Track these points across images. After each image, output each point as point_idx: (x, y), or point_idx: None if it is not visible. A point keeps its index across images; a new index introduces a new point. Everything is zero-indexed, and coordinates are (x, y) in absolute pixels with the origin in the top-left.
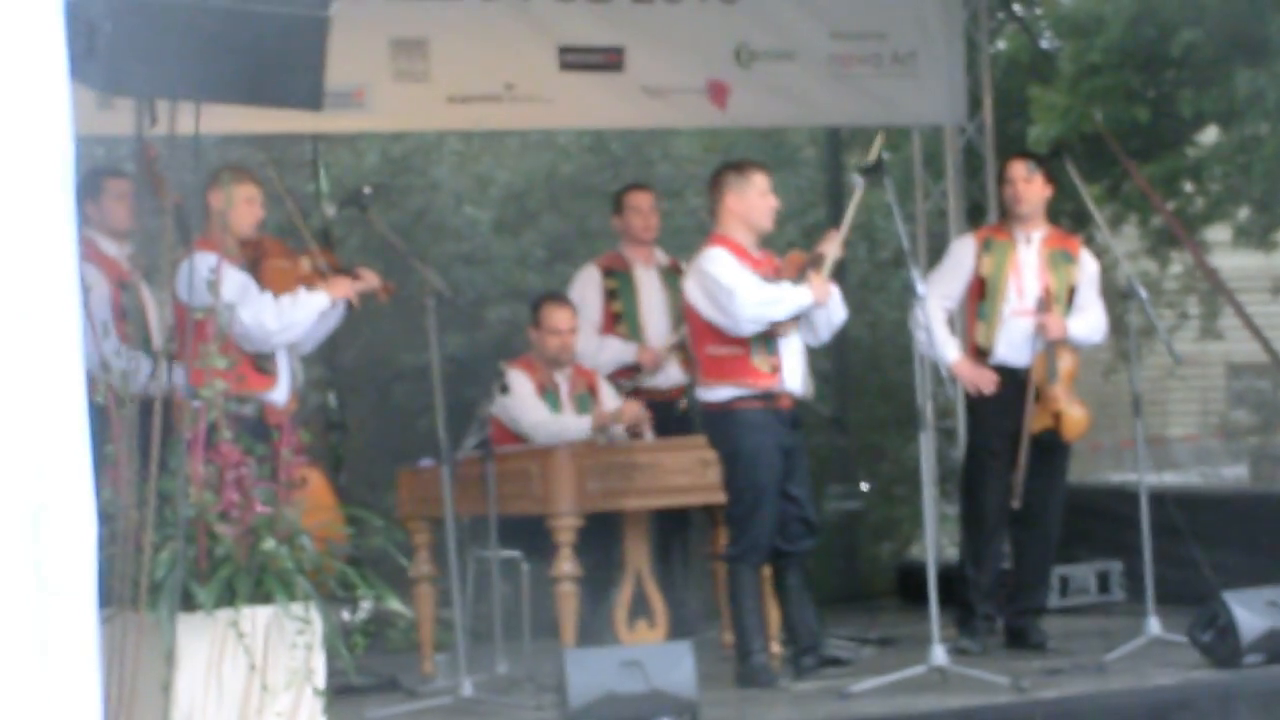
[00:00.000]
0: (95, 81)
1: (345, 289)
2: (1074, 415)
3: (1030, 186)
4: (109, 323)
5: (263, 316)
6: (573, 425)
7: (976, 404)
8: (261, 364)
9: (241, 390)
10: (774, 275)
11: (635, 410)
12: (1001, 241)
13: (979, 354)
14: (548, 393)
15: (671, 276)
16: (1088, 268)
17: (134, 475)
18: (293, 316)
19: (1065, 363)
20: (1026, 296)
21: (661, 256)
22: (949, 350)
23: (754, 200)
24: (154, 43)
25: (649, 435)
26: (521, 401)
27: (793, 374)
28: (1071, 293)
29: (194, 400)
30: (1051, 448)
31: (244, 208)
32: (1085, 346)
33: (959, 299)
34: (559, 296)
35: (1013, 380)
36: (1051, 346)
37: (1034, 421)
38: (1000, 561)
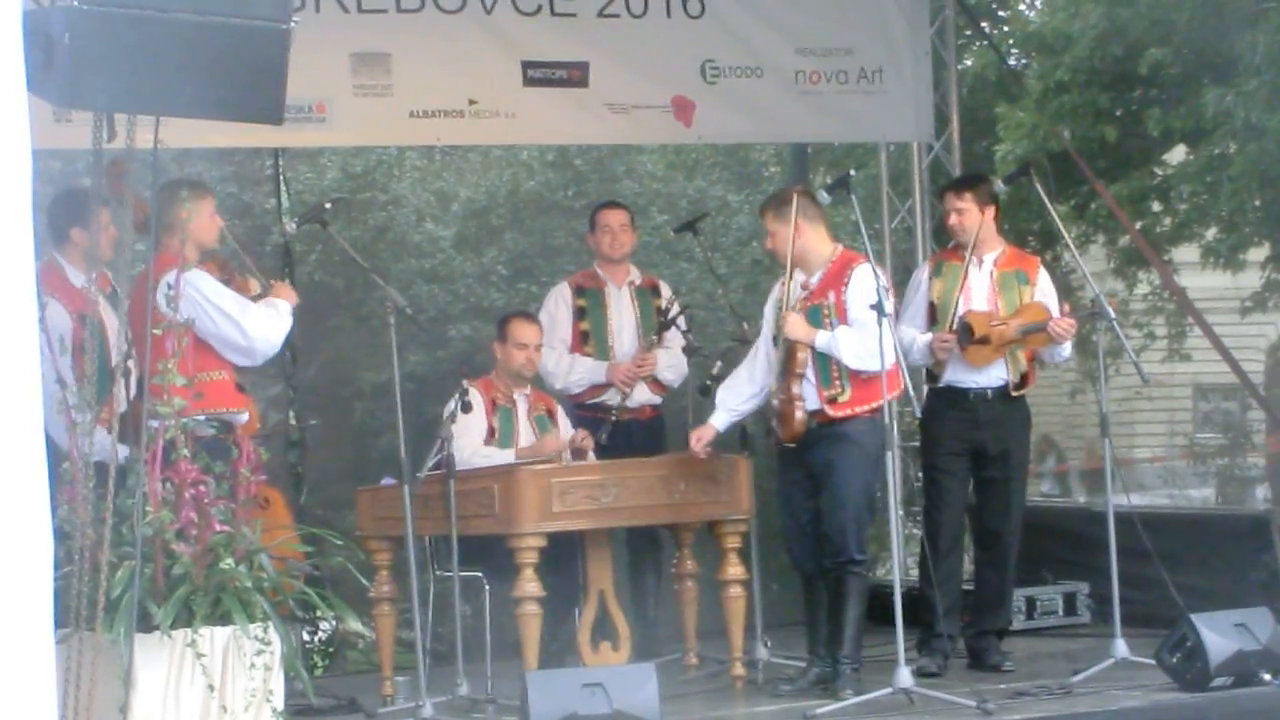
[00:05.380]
0: (53, 95)
1: (292, 295)
2: (990, 347)
3: (964, 217)
4: (67, 339)
5: (265, 329)
6: (494, 460)
7: (928, 424)
8: (241, 383)
9: (227, 408)
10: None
11: (554, 445)
12: (954, 265)
13: (930, 377)
14: (501, 410)
15: (644, 295)
16: (1045, 288)
17: (90, 493)
18: (282, 327)
19: (1036, 339)
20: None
21: (636, 274)
22: (920, 339)
23: None
24: (113, 56)
25: (591, 457)
26: (459, 426)
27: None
28: None
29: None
30: (1004, 467)
31: (208, 221)
32: (1052, 360)
33: (924, 325)
34: (526, 314)
35: (962, 402)
36: (1043, 323)
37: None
38: (958, 580)
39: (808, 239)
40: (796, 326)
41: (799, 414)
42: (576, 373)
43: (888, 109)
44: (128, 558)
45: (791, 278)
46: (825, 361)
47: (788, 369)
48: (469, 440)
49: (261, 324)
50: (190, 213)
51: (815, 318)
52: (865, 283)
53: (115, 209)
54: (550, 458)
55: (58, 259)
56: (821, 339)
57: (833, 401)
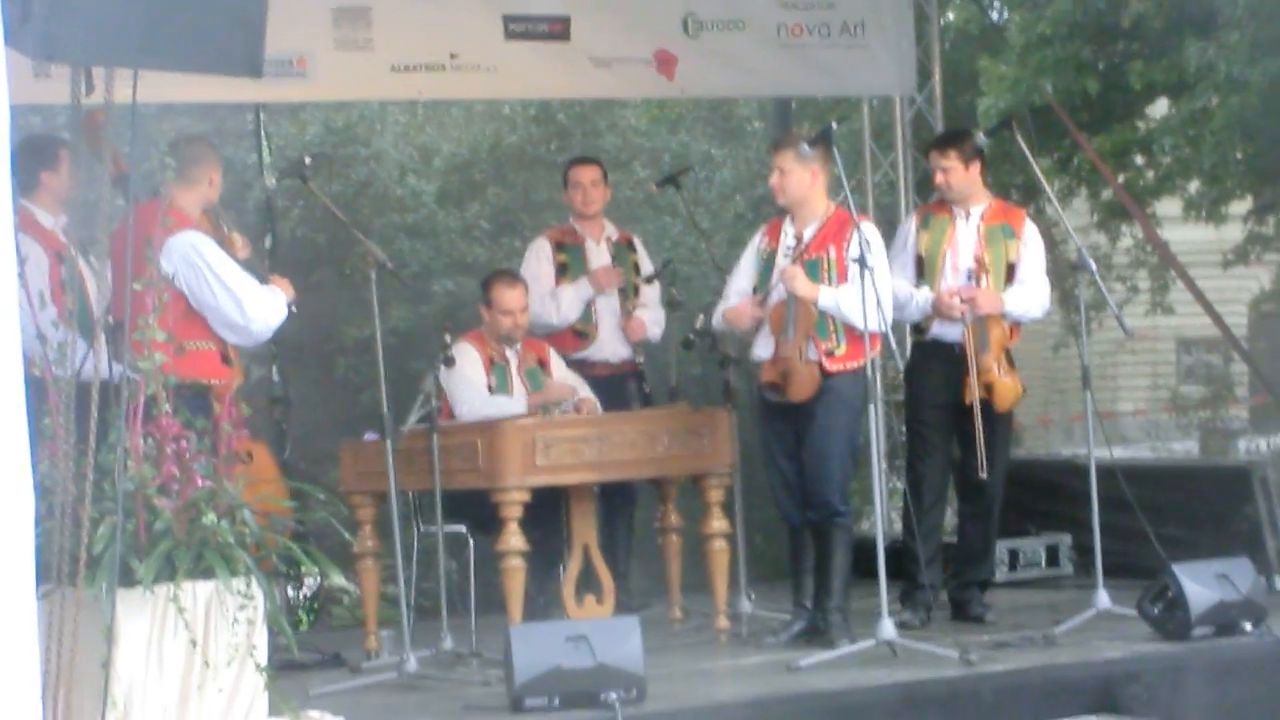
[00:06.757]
0: (30, 48)
1: (290, 289)
2: (1005, 384)
3: (950, 175)
4: (46, 293)
5: (265, 312)
6: (506, 409)
7: (912, 377)
8: (227, 354)
9: (208, 378)
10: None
11: (566, 391)
12: (940, 218)
13: (916, 330)
14: (496, 366)
15: (622, 250)
16: (1031, 242)
17: (72, 449)
18: (280, 313)
19: (995, 333)
20: (961, 273)
21: (612, 230)
22: (919, 294)
23: None
24: (89, 9)
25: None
26: (460, 378)
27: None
28: (1011, 268)
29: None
30: (989, 419)
31: (214, 184)
32: (1024, 321)
33: (912, 278)
34: (510, 275)
35: (947, 355)
36: (981, 318)
37: (967, 393)
38: (941, 533)
39: (816, 189)
40: (802, 283)
41: (814, 373)
42: (564, 301)
43: (870, 63)
44: (109, 513)
45: (784, 229)
46: (821, 315)
47: (799, 327)
48: (475, 392)
49: (262, 306)
50: (214, 175)
51: (814, 272)
52: (870, 240)
53: (92, 163)
54: (557, 404)
55: (27, 205)
56: (827, 297)
57: (830, 355)
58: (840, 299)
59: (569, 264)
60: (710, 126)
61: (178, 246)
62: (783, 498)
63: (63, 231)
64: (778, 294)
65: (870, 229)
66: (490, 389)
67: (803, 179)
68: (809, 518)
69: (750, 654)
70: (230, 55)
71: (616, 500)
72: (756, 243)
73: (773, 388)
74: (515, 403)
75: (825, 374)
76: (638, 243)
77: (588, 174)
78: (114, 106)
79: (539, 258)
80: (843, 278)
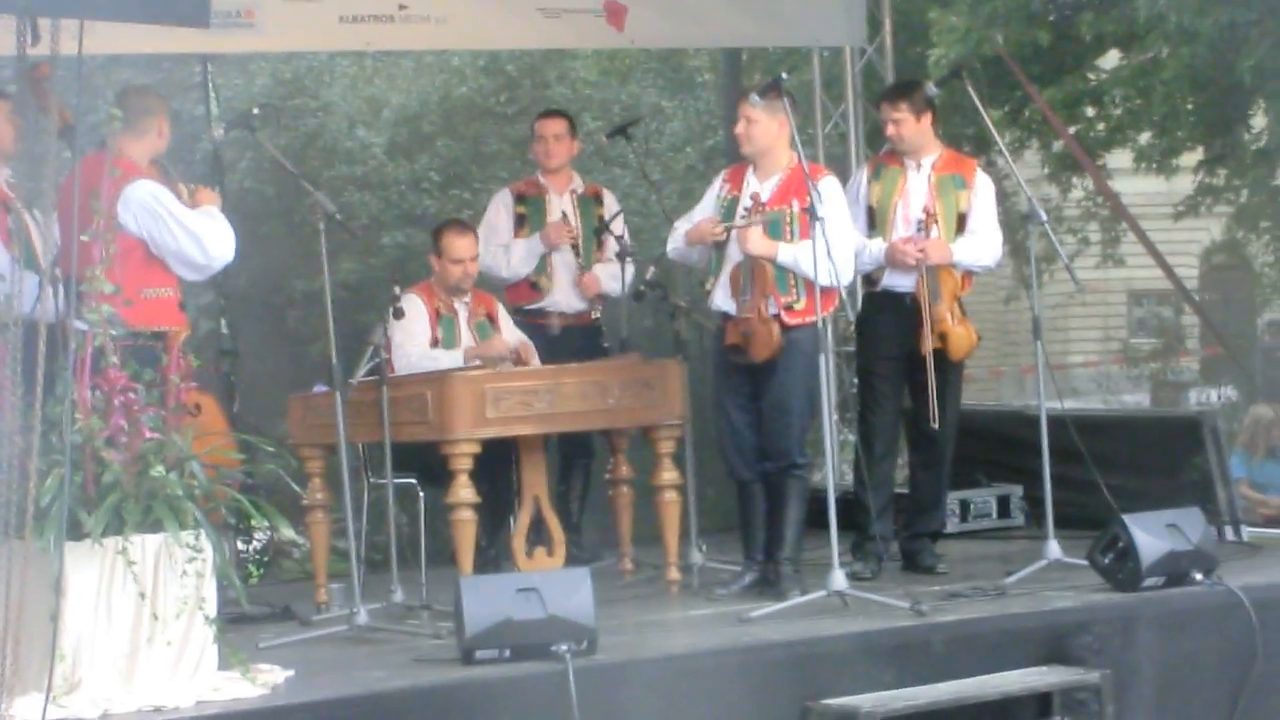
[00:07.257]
0: None
1: (216, 197)
2: (959, 333)
3: (901, 127)
4: None
5: (224, 247)
6: (443, 362)
7: (864, 328)
8: (183, 301)
9: (166, 325)
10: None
11: (500, 346)
12: (892, 169)
13: (868, 281)
14: (443, 319)
15: (587, 203)
16: (982, 191)
17: (18, 400)
18: (232, 237)
19: (948, 283)
20: (912, 224)
21: (579, 182)
22: (872, 244)
23: None
24: None
25: (535, 364)
26: (402, 330)
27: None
28: (962, 218)
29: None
30: (941, 369)
31: (162, 135)
32: (975, 270)
33: (864, 229)
34: (460, 223)
35: (899, 305)
36: (932, 269)
37: (922, 342)
38: (893, 484)
39: (782, 139)
40: (759, 242)
41: (776, 333)
42: (515, 255)
43: (820, 13)
44: (57, 465)
45: (747, 179)
46: (781, 270)
47: (756, 287)
48: (415, 345)
49: (220, 242)
50: (163, 126)
51: (775, 227)
52: (833, 194)
53: (37, 115)
54: (494, 360)
55: None
56: (786, 253)
57: (789, 309)
58: (799, 255)
59: (528, 216)
60: (660, 78)
61: (136, 195)
62: (730, 450)
63: (6, 183)
64: (735, 255)
65: (830, 183)
66: (436, 341)
67: (769, 129)
68: (766, 469)
69: (701, 605)
70: (176, 5)
71: (573, 453)
72: (717, 188)
73: (735, 349)
74: (453, 356)
75: (785, 328)
76: (607, 196)
77: (551, 127)
78: (60, 57)
79: (499, 209)
80: (805, 233)
